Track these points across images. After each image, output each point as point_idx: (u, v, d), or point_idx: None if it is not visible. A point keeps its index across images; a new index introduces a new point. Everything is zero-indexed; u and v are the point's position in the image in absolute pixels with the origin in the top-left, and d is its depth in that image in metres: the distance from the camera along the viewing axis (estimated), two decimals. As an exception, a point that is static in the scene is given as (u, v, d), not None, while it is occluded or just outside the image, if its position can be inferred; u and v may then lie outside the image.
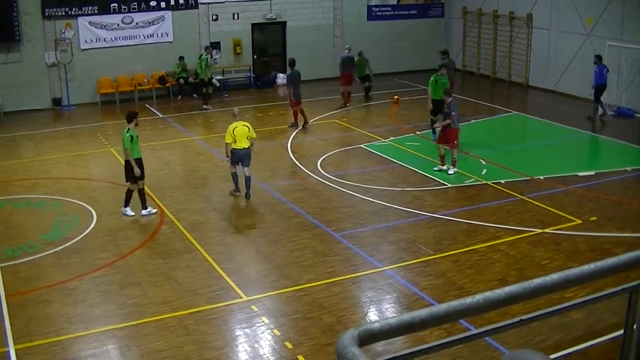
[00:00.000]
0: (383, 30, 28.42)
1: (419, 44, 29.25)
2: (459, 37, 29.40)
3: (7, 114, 22.29)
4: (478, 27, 28.28)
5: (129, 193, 13.67)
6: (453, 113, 15.62)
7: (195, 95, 24.63)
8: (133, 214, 13.67)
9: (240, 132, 14.24)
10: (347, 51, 23.59)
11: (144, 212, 13.72)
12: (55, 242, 12.48)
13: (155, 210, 13.85)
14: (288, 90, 20.91)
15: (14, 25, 22.18)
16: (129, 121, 13.54)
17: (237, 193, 14.66)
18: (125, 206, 13.70)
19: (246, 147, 14.30)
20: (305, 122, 20.54)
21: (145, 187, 13.96)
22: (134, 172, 13.34)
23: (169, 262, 11.66)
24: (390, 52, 28.67)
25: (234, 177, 14.56)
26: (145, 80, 24.44)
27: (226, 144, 14.42)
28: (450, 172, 15.94)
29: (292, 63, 20.72)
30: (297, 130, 20.00)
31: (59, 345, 9.17)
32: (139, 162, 13.52)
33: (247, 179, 14.45)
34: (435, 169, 16.22)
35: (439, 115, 17.16)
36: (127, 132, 13.33)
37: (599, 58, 20.70)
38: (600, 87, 20.63)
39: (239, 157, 14.37)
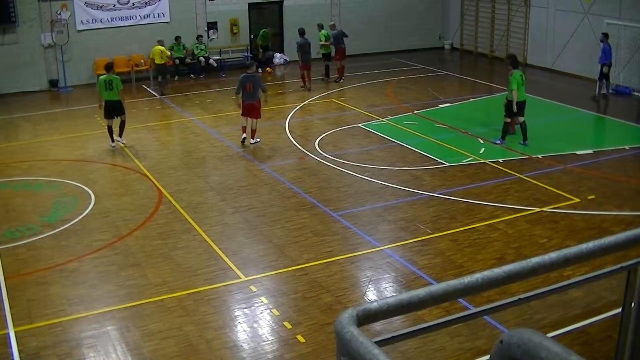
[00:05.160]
0: (380, 9, 28.26)
1: (416, 22, 29.11)
2: (456, 15, 29.24)
3: (4, 96, 22.20)
4: (476, 5, 28.12)
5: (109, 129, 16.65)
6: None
7: (192, 75, 24.73)
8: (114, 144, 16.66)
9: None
10: (335, 28, 24.03)
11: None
12: (54, 224, 12.47)
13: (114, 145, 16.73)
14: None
15: (9, 6, 21.98)
16: (110, 69, 16.57)
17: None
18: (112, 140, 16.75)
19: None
20: (306, 85, 22.62)
21: (143, 168, 14.09)
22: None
23: (167, 243, 11.67)
24: (387, 31, 28.55)
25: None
26: (142, 61, 24.30)
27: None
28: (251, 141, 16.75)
29: (299, 32, 22.70)
30: (294, 110, 19.97)
31: (59, 327, 9.19)
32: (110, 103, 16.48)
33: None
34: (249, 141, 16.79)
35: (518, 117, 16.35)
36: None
37: (606, 36, 20.47)
38: (608, 65, 20.47)
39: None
